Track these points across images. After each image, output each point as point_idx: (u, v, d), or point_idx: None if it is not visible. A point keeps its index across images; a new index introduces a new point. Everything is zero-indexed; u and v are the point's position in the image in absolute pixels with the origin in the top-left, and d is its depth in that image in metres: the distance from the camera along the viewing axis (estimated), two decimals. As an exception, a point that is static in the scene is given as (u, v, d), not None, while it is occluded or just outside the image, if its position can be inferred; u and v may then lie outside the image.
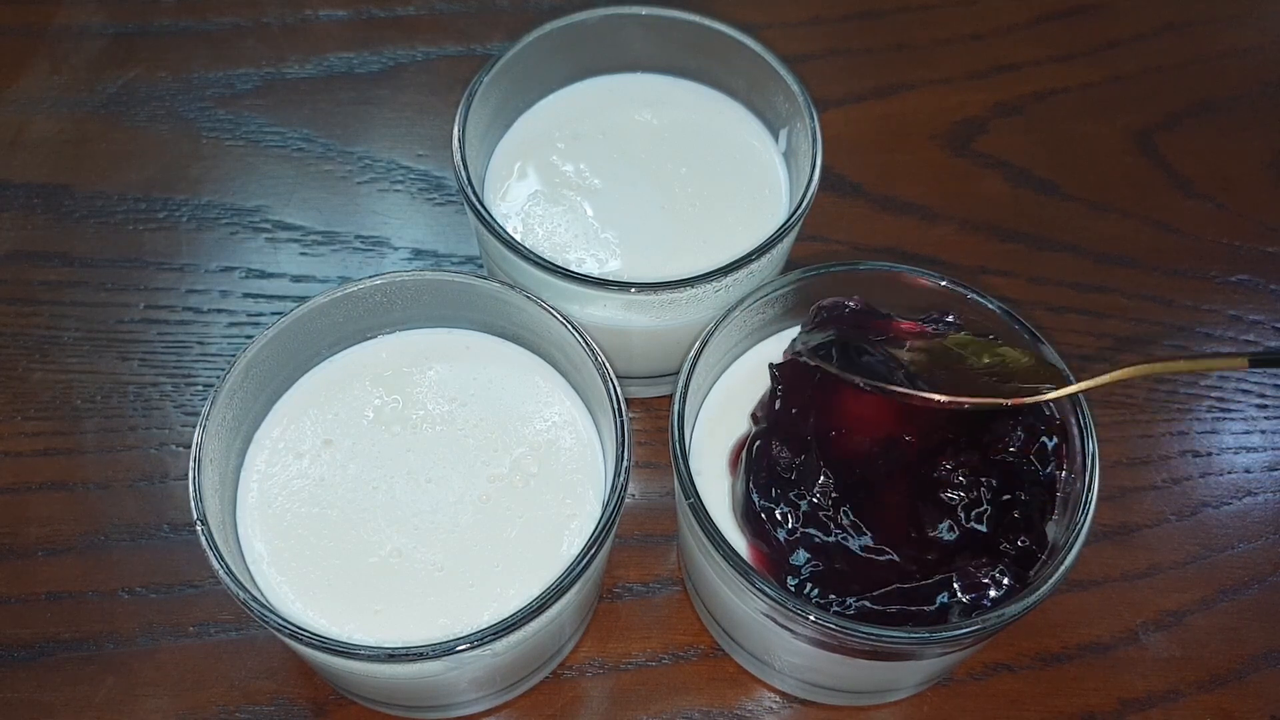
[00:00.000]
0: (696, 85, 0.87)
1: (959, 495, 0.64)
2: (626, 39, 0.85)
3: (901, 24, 1.07)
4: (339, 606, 0.64)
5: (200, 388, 0.84)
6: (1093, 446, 0.65)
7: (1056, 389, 0.65)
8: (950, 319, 0.71)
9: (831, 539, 0.64)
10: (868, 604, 0.62)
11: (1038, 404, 0.67)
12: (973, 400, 0.65)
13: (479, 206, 0.74)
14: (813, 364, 0.67)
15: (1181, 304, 0.91)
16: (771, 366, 0.70)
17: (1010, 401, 0.65)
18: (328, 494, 0.68)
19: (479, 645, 0.59)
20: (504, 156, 0.84)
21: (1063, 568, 0.61)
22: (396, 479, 0.68)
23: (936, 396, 0.65)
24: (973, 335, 0.70)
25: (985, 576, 0.62)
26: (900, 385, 0.66)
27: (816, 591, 0.63)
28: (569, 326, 0.68)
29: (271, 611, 0.59)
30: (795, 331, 0.75)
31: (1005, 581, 0.62)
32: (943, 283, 0.71)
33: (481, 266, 0.89)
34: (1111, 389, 0.86)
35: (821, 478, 0.65)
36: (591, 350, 0.67)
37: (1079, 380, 0.66)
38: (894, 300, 0.73)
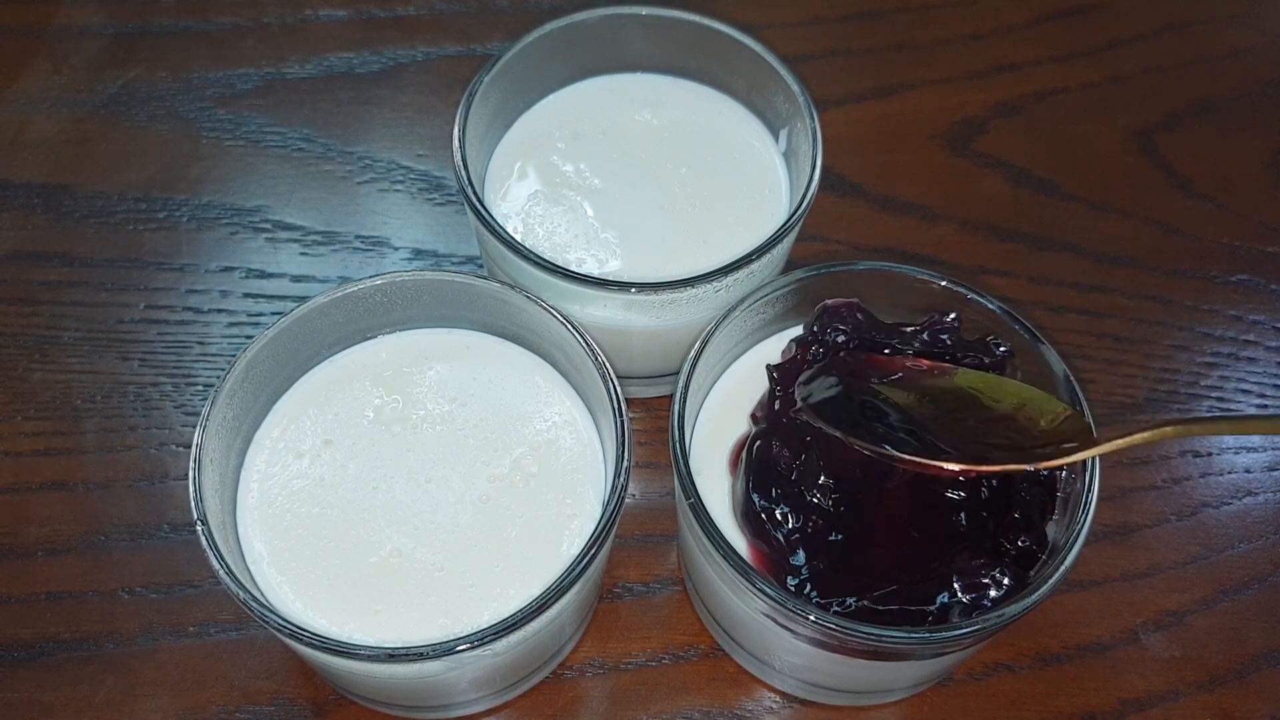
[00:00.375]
0: (696, 85, 0.87)
1: (959, 495, 0.64)
2: (626, 39, 0.85)
3: (901, 24, 1.07)
4: (339, 606, 0.64)
5: (200, 388, 0.84)
6: (1093, 446, 0.65)
7: (1080, 444, 0.61)
8: (950, 319, 0.71)
9: (832, 539, 0.64)
10: (868, 604, 0.62)
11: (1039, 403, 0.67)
12: (992, 469, 0.61)
13: (479, 206, 0.74)
14: (816, 426, 0.64)
15: (1181, 304, 0.91)
16: (769, 368, 0.70)
17: (1035, 466, 0.61)
18: (328, 494, 0.68)
19: (479, 645, 0.59)
20: (504, 156, 0.84)
21: (1063, 568, 0.61)
22: (396, 479, 0.68)
23: (954, 467, 0.60)
24: (984, 372, 0.67)
25: (985, 576, 0.62)
26: (911, 446, 0.62)
27: (816, 591, 0.63)
28: (569, 326, 0.68)
29: (271, 611, 0.59)
30: (795, 331, 0.74)
31: (1005, 581, 0.62)
32: (943, 283, 0.71)
33: (481, 266, 0.89)
34: (1111, 389, 0.86)
35: (821, 478, 0.65)
36: (591, 350, 0.67)
37: (1102, 434, 0.62)
38: (894, 300, 0.73)
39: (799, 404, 0.65)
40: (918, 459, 0.61)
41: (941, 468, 0.60)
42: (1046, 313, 0.90)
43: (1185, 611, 0.77)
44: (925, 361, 0.68)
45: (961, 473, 0.61)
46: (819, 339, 0.70)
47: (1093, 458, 0.62)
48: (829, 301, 0.71)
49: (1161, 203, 0.97)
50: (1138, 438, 0.59)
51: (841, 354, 0.68)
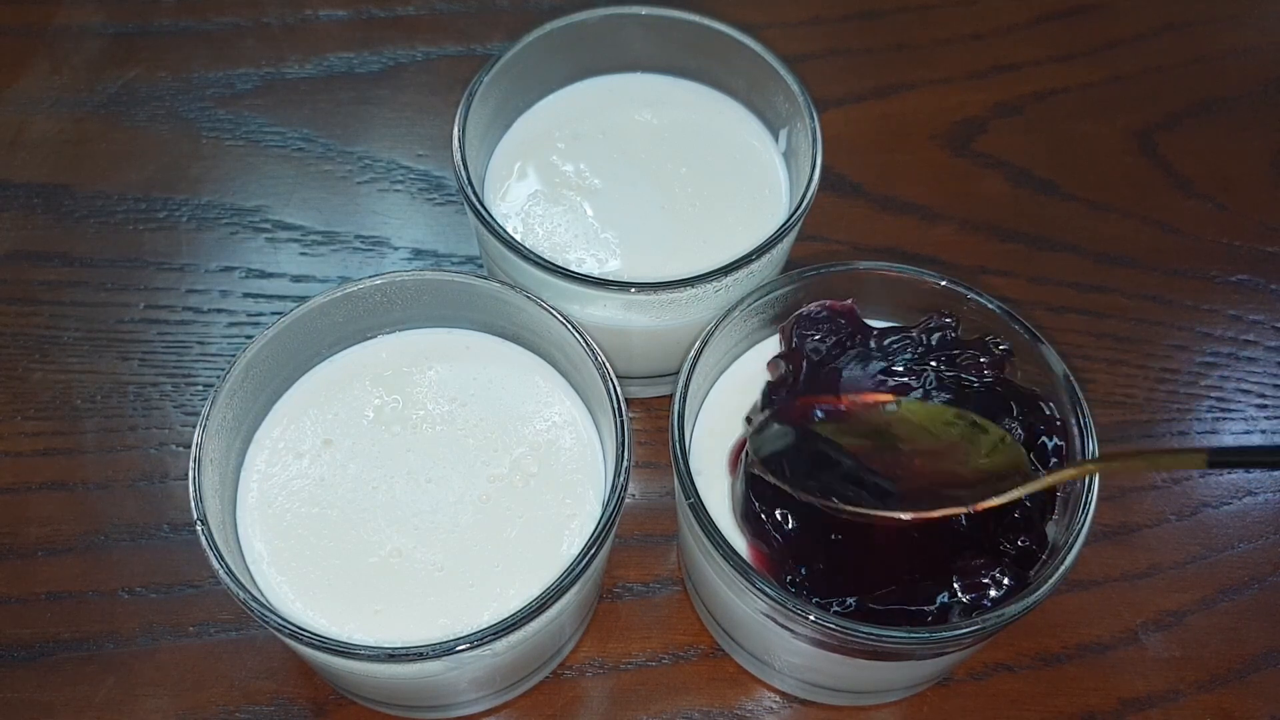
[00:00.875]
0: (696, 85, 0.87)
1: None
2: (626, 39, 0.85)
3: (901, 24, 1.07)
4: (339, 606, 0.64)
5: (200, 388, 0.84)
6: (1093, 446, 0.65)
7: (1021, 480, 0.62)
8: (950, 319, 0.71)
9: (832, 539, 0.64)
10: (868, 604, 0.62)
11: (1037, 400, 0.67)
12: (933, 515, 0.62)
13: (479, 206, 0.74)
14: (769, 480, 0.64)
15: (1181, 304, 0.91)
16: (767, 384, 0.70)
17: (973, 508, 0.62)
18: (328, 494, 0.68)
19: (479, 645, 0.59)
20: (504, 156, 0.84)
21: (1063, 568, 0.61)
22: (396, 479, 0.68)
23: (899, 515, 0.62)
24: (923, 402, 0.68)
25: (985, 576, 0.62)
26: (859, 497, 0.63)
27: (816, 592, 0.63)
28: (569, 326, 0.68)
29: (271, 611, 0.59)
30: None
31: (1005, 581, 0.62)
32: (943, 283, 0.71)
33: (481, 266, 0.89)
34: (1111, 389, 0.86)
35: (821, 478, 0.65)
36: (591, 350, 0.67)
37: (1044, 470, 0.64)
38: (894, 300, 0.73)
39: (751, 457, 0.66)
40: (864, 510, 0.62)
41: (886, 517, 0.62)
42: (1046, 313, 0.90)
43: (1185, 611, 0.77)
44: (867, 396, 0.68)
45: (908, 522, 0.62)
46: (800, 350, 0.70)
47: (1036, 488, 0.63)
48: (804, 310, 0.71)
49: (1161, 203, 0.97)
50: (1064, 474, 0.63)
51: (784, 398, 0.69)
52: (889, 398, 0.68)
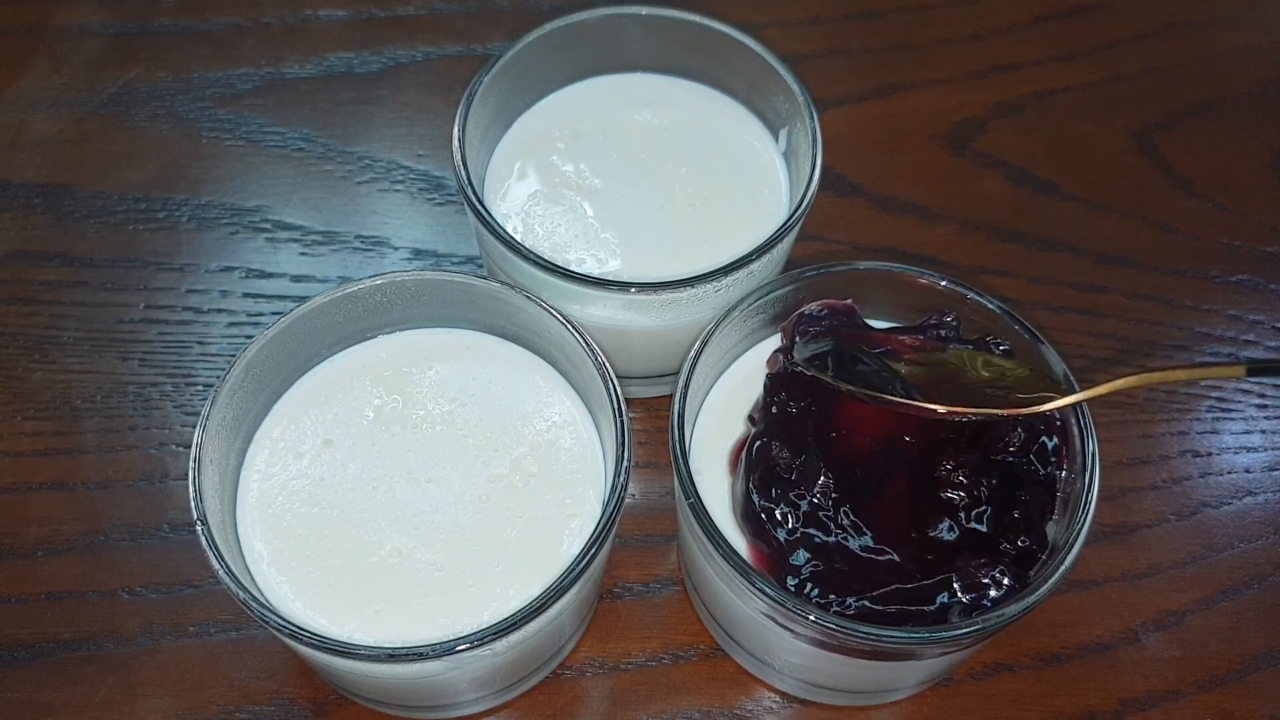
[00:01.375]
0: (696, 85, 0.87)
1: (959, 495, 0.64)
2: (626, 39, 0.85)
3: (901, 24, 1.07)
4: (339, 606, 0.64)
5: (200, 388, 0.84)
6: (1093, 446, 0.65)
7: (1055, 399, 0.65)
8: (950, 319, 0.71)
9: (831, 539, 0.64)
10: (868, 604, 0.62)
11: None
12: (970, 411, 0.64)
13: (479, 206, 0.74)
14: (808, 373, 0.67)
15: (1181, 304, 0.91)
16: (767, 377, 0.70)
17: (1006, 412, 0.64)
18: (328, 494, 0.68)
19: (479, 645, 0.59)
20: (504, 156, 0.84)
21: (1063, 568, 0.61)
22: (396, 479, 0.68)
23: (934, 407, 0.64)
24: (970, 347, 0.70)
25: (985, 576, 0.62)
26: (897, 393, 0.65)
27: (816, 591, 0.63)
28: (569, 326, 0.68)
29: (271, 611, 0.59)
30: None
31: (1005, 581, 0.62)
32: (943, 283, 0.71)
33: (481, 266, 0.89)
34: (1111, 389, 0.86)
35: (821, 478, 0.65)
36: (591, 350, 0.67)
37: (1077, 390, 0.66)
38: (894, 300, 0.73)
39: (794, 357, 0.68)
40: (901, 400, 0.64)
41: (922, 408, 0.64)
42: (1046, 313, 0.90)
43: (1185, 611, 0.77)
44: (915, 338, 0.70)
45: (944, 415, 0.64)
46: (802, 344, 0.70)
47: (1079, 410, 0.66)
48: (806, 309, 0.71)
49: (1161, 203, 0.97)
50: (1101, 389, 0.64)
51: (839, 323, 0.71)
52: (936, 344, 0.70)
